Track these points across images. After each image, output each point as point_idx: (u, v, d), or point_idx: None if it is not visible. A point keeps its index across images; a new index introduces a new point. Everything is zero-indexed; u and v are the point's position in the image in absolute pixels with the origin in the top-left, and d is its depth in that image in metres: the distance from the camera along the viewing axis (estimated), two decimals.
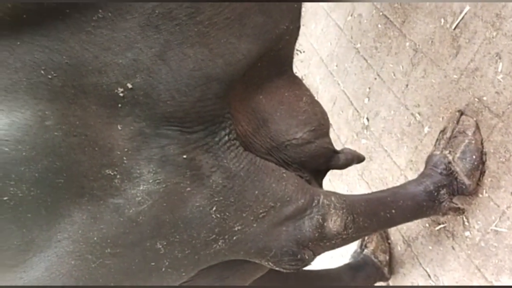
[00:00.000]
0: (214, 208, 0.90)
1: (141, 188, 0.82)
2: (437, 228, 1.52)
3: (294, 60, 1.10)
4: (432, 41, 1.52)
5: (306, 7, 2.43)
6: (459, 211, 1.36)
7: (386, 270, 1.74)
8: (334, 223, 1.07)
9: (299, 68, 2.57)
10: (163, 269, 0.90)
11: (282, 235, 1.01)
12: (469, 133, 1.31)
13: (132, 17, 0.74)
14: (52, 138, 0.72)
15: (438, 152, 1.38)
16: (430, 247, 1.56)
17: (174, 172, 0.84)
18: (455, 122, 1.37)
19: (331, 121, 2.18)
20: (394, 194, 1.30)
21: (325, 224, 1.05)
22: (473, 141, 1.30)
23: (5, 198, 0.71)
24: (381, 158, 1.84)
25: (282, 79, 1.05)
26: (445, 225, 1.49)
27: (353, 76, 2.03)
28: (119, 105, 0.78)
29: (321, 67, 2.33)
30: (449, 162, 1.33)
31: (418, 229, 1.63)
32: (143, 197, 0.82)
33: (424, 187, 1.32)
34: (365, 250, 1.80)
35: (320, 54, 2.34)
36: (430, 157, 1.40)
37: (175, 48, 0.78)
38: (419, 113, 1.60)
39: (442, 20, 1.47)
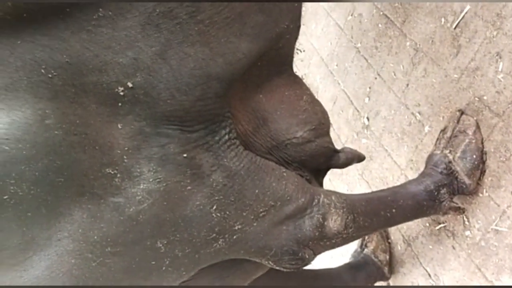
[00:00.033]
0: (214, 207, 0.90)
1: (142, 187, 0.82)
2: (438, 227, 1.52)
3: (294, 59, 1.10)
4: (432, 41, 1.52)
5: (306, 6, 2.43)
6: (460, 210, 1.36)
7: (386, 269, 1.74)
8: (334, 222, 1.07)
9: (299, 67, 2.57)
10: (164, 268, 0.90)
11: (282, 234, 1.01)
12: (470, 132, 1.31)
13: (132, 16, 0.74)
14: (53, 137, 0.72)
15: (438, 152, 1.38)
16: (431, 247, 1.56)
17: (174, 171, 0.84)
18: (456, 121, 1.36)
19: (331, 120, 2.18)
20: (394, 193, 1.30)
21: (325, 223, 1.06)
22: (473, 141, 1.30)
23: (5, 197, 0.71)
24: (382, 158, 1.84)
25: (282, 78, 1.05)
26: (445, 224, 1.49)
27: (353, 76, 2.03)
28: (120, 104, 0.78)
29: (322, 67, 2.33)
30: (450, 162, 1.33)
31: (418, 229, 1.63)
32: (144, 196, 0.82)
33: (425, 186, 1.32)
34: (365, 250, 1.80)
35: (321, 53, 2.34)
36: (430, 157, 1.40)
37: (176, 47, 0.78)
38: (419, 113, 1.60)
39: (443, 20, 1.47)
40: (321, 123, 1.10)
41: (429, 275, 1.57)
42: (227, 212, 0.92)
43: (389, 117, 1.78)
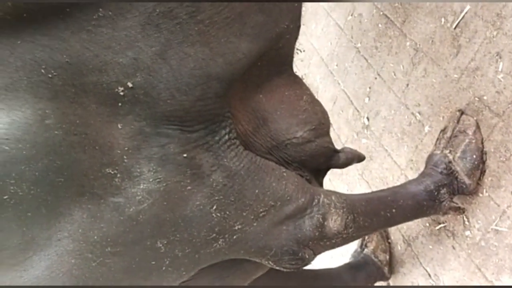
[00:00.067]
0: (214, 207, 0.90)
1: (142, 187, 0.82)
2: (438, 227, 1.52)
3: (294, 59, 1.10)
4: (432, 41, 1.52)
5: (306, 6, 2.43)
6: (460, 210, 1.36)
7: (386, 269, 1.74)
8: (334, 222, 1.07)
9: (299, 67, 2.57)
10: (164, 268, 0.90)
11: (282, 234, 1.01)
12: (470, 132, 1.31)
13: (132, 16, 0.74)
14: (53, 137, 0.72)
15: (438, 152, 1.38)
16: (431, 247, 1.56)
17: (174, 171, 0.84)
18: (456, 121, 1.36)
19: (331, 120, 2.18)
20: (394, 193, 1.30)
21: (325, 223, 1.06)
22: (473, 141, 1.30)
23: (5, 197, 0.71)
24: (382, 158, 1.84)
25: (282, 78, 1.05)
26: (445, 224, 1.49)
27: (353, 76, 2.03)
28: (120, 104, 0.78)
29: (322, 67, 2.33)
30: (450, 162, 1.33)
31: (418, 229, 1.63)
32: (144, 196, 0.82)
33: (425, 186, 1.32)
34: (365, 250, 1.80)
35: (321, 53, 2.34)
36: (430, 157, 1.40)
37: (176, 47, 0.78)
38: (419, 113, 1.60)
39: (443, 20, 1.47)
40: (321, 123, 1.10)
41: (429, 275, 1.57)
42: (227, 212, 0.92)
43: (389, 117, 1.78)
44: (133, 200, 0.82)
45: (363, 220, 1.14)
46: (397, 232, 1.76)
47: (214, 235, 0.92)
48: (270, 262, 1.04)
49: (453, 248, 1.45)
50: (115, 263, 0.84)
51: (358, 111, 2.00)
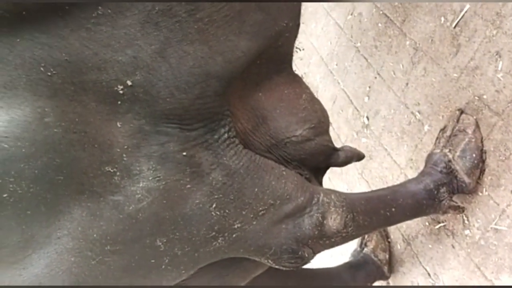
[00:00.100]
0: (213, 206, 0.90)
1: (141, 185, 0.82)
2: (437, 226, 1.52)
3: (294, 58, 1.10)
4: (432, 40, 1.52)
5: (306, 5, 2.43)
6: (459, 209, 1.35)
7: (386, 268, 1.74)
8: (333, 221, 1.07)
9: (299, 66, 2.57)
10: (163, 267, 0.90)
11: (281, 233, 1.01)
12: (469, 131, 1.31)
13: (132, 14, 0.74)
14: (52, 135, 0.72)
15: (438, 151, 1.38)
16: (430, 246, 1.56)
17: (174, 169, 0.84)
18: (455, 120, 1.36)
19: (331, 120, 2.18)
20: (394, 192, 1.30)
21: (324, 222, 1.06)
22: (473, 140, 1.30)
23: (4, 195, 0.71)
24: (381, 157, 1.84)
25: (282, 77, 1.05)
26: (445, 223, 1.49)
27: (353, 75, 2.03)
28: (119, 102, 0.78)
29: (321, 66, 2.33)
30: (449, 161, 1.33)
31: (418, 228, 1.63)
32: (143, 194, 0.82)
33: (424, 185, 1.32)
34: (365, 249, 1.80)
35: (320, 53, 2.34)
36: (430, 156, 1.40)
37: (175, 45, 0.78)
38: (419, 112, 1.60)
39: (442, 19, 1.47)
40: (321, 122, 1.10)
41: (429, 274, 1.57)
42: (227, 211, 0.92)
43: (388, 116, 1.78)
44: (133, 198, 0.82)
45: (363, 219, 1.14)
46: (396, 231, 1.76)
47: (214, 233, 0.92)
48: (270, 261, 1.04)
49: (453, 247, 1.45)
50: (114, 261, 0.84)
51: (357, 110, 2.00)
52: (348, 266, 1.76)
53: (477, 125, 1.31)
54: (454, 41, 1.42)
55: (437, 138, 1.43)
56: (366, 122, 1.93)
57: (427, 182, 1.32)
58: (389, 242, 1.80)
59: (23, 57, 0.70)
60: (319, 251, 1.10)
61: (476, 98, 1.33)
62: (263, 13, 0.87)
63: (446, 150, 1.35)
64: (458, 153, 1.32)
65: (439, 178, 1.33)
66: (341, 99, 2.15)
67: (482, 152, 1.30)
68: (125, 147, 0.80)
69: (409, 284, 1.69)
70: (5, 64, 0.70)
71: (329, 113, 1.21)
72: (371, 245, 1.78)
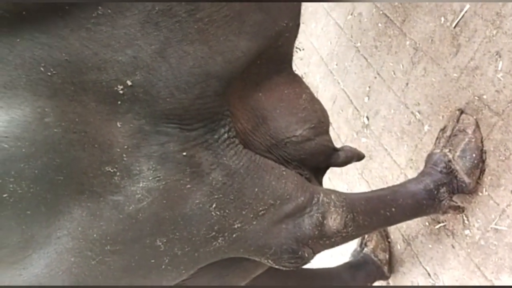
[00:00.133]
0: (214, 205, 0.90)
1: (141, 185, 0.82)
2: (437, 226, 1.52)
3: (294, 58, 1.10)
4: (432, 40, 1.52)
5: (306, 5, 2.43)
6: (459, 209, 1.35)
7: (386, 268, 1.74)
8: (334, 221, 1.07)
9: (298, 66, 2.57)
10: (163, 267, 0.90)
11: (281, 232, 1.01)
12: (469, 131, 1.31)
13: (132, 14, 0.74)
14: (52, 135, 0.72)
15: (438, 151, 1.38)
16: (430, 246, 1.56)
17: (174, 169, 0.84)
18: (455, 120, 1.36)
19: (331, 120, 2.18)
20: (394, 192, 1.30)
21: (324, 222, 1.06)
22: (473, 140, 1.30)
23: (4, 195, 0.71)
24: (381, 157, 1.84)
25: (282, 77, 1.05)
26: (445, 223, 1.49)
27: (353, 75, 2.03)
28: (119, 102, 0.78)
29: (321, 66, 2.33)
30: (449, 161, 1.33)
31: (418, 228, 1.63)
32: (143, 194, 0.82)
33: (424, 185, 1.32)
34: (365, 249, 1.80)
35: (320, 53, 2.34)
36: (430, 156, 1.40)
37: (175, 45, 0.78)
38: (419, 112, 1.60)
39: (442, 19, 1.47)
40: (321, 122, 1.10)
41: (429, 274, 1.57)
42: (227, 211, 0.92)
43: (388, 116, 1.78)
44: (133, 198, 0.82)
45: (363, 219, 1.14)
46: (396, 231, 1.76)
47: (214, 233, 0.92)
48: (270, 261, 1.04)
49: (453, 247, 1.45)
50: (114, 261, 0.84)
51: (357, 110, 2.00)
52: (348, 266, 1.76)
53: (477, 125, 1.31)
54: (454, 41, 1.42)
55: (437, 138, 1.43)
56: (366, 122, 1.93)
57: (427, 182, 1.32)
58: (389, 242, 1.80)
59: (23, 57, 0.70)
60: (319, 251, 1.10)
61: (476, 98, 1.33)
62: (263, 13, 0.87)
63: (446, 150, 1.35)
64: (458, 153, 1.32)
65: (439, 178, 1.33)
66: (341, 99, 2.15)
67: (482, 152, 1.30)
68: (125, 147, 0.80)
69: (409, 284, 1.69)
70: (5, 64, 0.70)
71: (329, 113, 1.21)
72: (371, 245, 1.78)
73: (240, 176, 0.93)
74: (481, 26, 1.31)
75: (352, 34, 2.03)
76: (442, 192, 1.32)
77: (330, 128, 1.19)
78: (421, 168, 1.43)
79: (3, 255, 0.76)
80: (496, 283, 1.29)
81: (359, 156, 1.25)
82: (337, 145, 1.26)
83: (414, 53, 1.61)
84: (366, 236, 1.82)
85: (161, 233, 0.86)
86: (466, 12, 1.37)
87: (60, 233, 0.78)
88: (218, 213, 0.91)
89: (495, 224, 1.28)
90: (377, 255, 1.75)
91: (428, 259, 1.57)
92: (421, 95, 1.59)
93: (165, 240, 0.87)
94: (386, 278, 1.77)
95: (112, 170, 0.79)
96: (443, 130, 1.41)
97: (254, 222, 0.97)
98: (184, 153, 0.85)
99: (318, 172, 1.22)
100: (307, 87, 1.12)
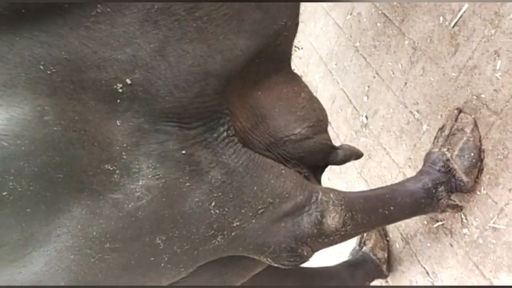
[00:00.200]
0: (213, 204, 0.90)
1: (140, 183, 0.82)
2: (436, 225, 1.53)
3: (293, 57, 1.10)
4: (431, 39, 1.52)
5: (305, 5, 2.43)
6: (457, 208, 1.36)
7: (384, 267, 1.74)
8: (332, 220, 1.07)
9: (297, 65, 2.58)
10: (162, 265, 0.90)
11: (280, 231, 1.02)
12: (468, 130, 1.31)
13: (131, 12, 0.74)
14: (51, 133, 0.72)
15: (436, 150, 1.38)
16: (429, 245, 1.56)
17: (173, 168, 0.85)
18: (454, 119, 1.37)
19: (330, 119, 2.18)
20: (392, 191, 1.30)
21: (323, 220, 1.06)
22: (471, 139, 1.31)
23: (4, 193, 0.71)
24: (380, 156, 1.84)
25: (280, 75, 1.06)
26: (443, 222, 1.50)
27: (352, 75, 2.04)
28: (118, 101, 0.78)
29: (320, 66, 2.33)
30: (447, 160, 1.33)
31: (416, 227, 1.63)
32: (142, 192, 0.82)
33: (423, 184, 1.32)
34: (364, 248, 1.80)
35: (320, 52, 2.34)
36: (428, 155, 1.41)
37: (174, 44, 0.78)
38: (417, 111, 1.61)
39: (441, 18, 1.47)
40: (319, 120, 1.10)
41: (427, 273, 1.58)
42: (226, 209, 0.92)
43: (387, 116, 1.78)
44: (132, 196, 0.82)
45: (361, 218, 1.15)
46: (395, 230, 1.76)
47: (213, 231, 0.92)
48: (269, 259, 1.05)
49: (451, 246, 1.46)
50: (114, 259, 0.84)
51: (356, 110, 2.01)
52: (347, 265, 1.77)
53: (476, 124, 1.32)
54: (452, 40, 1.43)
55: (435, 137, 1.43)
56: (365, 121, 1.94)
57: (426, 181, 1.33)
58: (387, 241, 1.80)
59: (22, 56, 0.70)
60: (317, 250, 1.11)
61: (475, 97, 1.33)
62: (261, 12, 0.87)
63: (445, 149, 1.35)
64: (456, 152, 1.32)
65: (438, 177, 1.33)
66: (340, 99, 2.15)
67: (480, 151, 1.31)
68: (125, 145, 0.80)
69: (407, 282, 1.70)
70: (5, 62, 0.70)
71: (328, 112, 1.22)
72: (370, 244, 1.78)
73: (239, 174, 0.93)
74: (480, 26, 1.31)
75: (351, 33, 2.04)
76: (441, 191, 1.33)
77: (329, 127, 1.19)
78: (420, 167, 1.44)
79: (3, 253, 0.76)
80: (495, 282, 1.29)
81: (357, 155, 1.25)
82: (336, 144, 1.27)
83: (413, 52, 1.62)
84: (365, 235, 1.82)
85: (161, 231, 0.87)
86: (464, 11, 1.37)
87: (59, 231, 0.78)
88: (217, 211, 0.91)
89: (493, 223, 1.29)
90: (376, 253, 1.75)
91: (427, 258, 1.58)
92: (419, 95, 1.59)
93: (164, 238, 0.87)
94: (384, 276, 1.78)
95: (111, 168, 0.80)
96: (441, 129, 1.42)
97: (253, 221, 0.97)
98: (183, 152, 0.86)
99: (317, 170, 1.22)
100: (305, 86, 1.12)
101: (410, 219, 1.53)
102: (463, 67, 1.38)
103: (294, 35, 1.04)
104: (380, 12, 1.81)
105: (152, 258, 0.88)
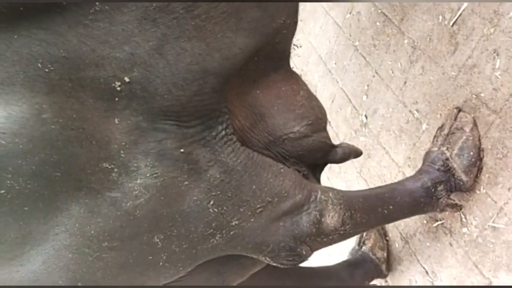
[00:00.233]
0: (211, 202, 0.90)
1: (139, 181, 0.82)
2: (435, 224, 1.53)
3: (292, 55, 1.10)
4: (430, 38, 1.52)
5: (305, 4, 2.43)
6: (457, 207, 1.36)
7: (384, 267, 1.74)
8: (331, 219, 1.07)
9: (297, 64, 2.58)
10: (160, 263, 0.90)
11: (279, 230, 1.01)
12: (467, 129, 1.31)
13: (129, 11, 0.74)
14: (49, 131, 0.72)
15: (435, 149, 1.38)
16: (428, 244, 1.56)
17: (171, 166, 0.85)
18: (453, 118, 1.37)
19: (329, 118, 2.18)
20: (392, 190, 1.30)
21: (322, 219, 1.06)
22: (470, 138, 1.30)
23: (2, 191, 0.71)
24: (380, 155, 1.84)
25: (279, 74, 1.06)
26: (442, 221, 1.49)
27: (351, 74, 2.04)
28: (116, 99, 0.78)
29: (320, 65, 2.33)
30: (447, 159, 1.33)
31: (416, 226, 1.63)
32: (140, 191, 0.82)
33: (422, 183, 1.32)
34: (363, 247, 1.80)
35: (319, 51, 2.34)
36: (428, 154, 1.41)
37: (172, 42, 0.78)
38: (417, 110, 1.60)
39: (440, 17, 1.47)
40: (318, 118, 1.10)
41: (427, 272, 1.58)
42: (224, 208, 0.92)
43: (387, 115, 1.78)
44: (130, 195, 0.82)
45: (360, 217, 1.14)
46: (394, 230, 1.76)
47: (211, 230, 0.92)
48: (267, 258, 1.04)
49: (451, 245, 1.46)
50: (112, 258, 0.84)
51: (356, 109, 2.00)
52: (346, 265, 1.76)
53: (475, 123, 1.32)
54: (452, 39, 1.43)
55: (435, 136, 1.43)
56: (365, 120, 1.93)
57: (425, 180, 1.33)
58: (387, 240, 1.80)
59: (20, 54, 0.70)
60: (316, 249, 1.10)
61: (474, 96, 1.33)
62: (260, 10, 0.87)
63: (444, 148, 1.35)
64: (455, 151, 1.32)
65: (437, 176, 1.33)
66: (339, 98, 2.15)
67: (479, 150, 1.31)
68: (123, 143, 0.80)
69: (407, 282, 1.70)
70: (3, 60, 0.70)
71: (327, 111, 1.21)
72: (369, 244, 1.78)
73: (238, 173, 0.93)
74: (479, 25, 1.31)
75: (351, 33, 2.03)
76: (440, 190, 1.32)
77: (329, 126, 1.19)
78: (419, 166, 1.44)
79: (1, 251, 0.76)
80: (494, 281, 1.29)
81: (356, 153, 1.25)
82: (335, 143, 1.26)
83: (412, 51, 1.62)
84: (364, 234, 1.82)
85: (159, 230, 0.86)
86: (463, 10, 1.37)
87: (57, 229, 0.78)
88: (215, 210, 0.91)
89: (493, 222, 1.28)
90: (375, 253, 1.75)
91: (426, 257, 1.58)
92: (419, 94, 1.59)
93: (162, 237, 0.87)
94: (384, 276, 1.77)
95: (109, 167, 0.79)
96: (441, 128, 1.41)
97: (252, 220, 0.97)
98: (182, 150, 0.85)
99: (316, 169, 1.22)
100: (304, 84, 1.12)
101: (410, 218, 1.53)
102: (462, 66, 1.38)
103: (293, 34, 1.03)
104: (379, 11, 1.80)
105: (150, 257, 0.88)
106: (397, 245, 1.75)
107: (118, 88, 0.77)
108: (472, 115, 1.33)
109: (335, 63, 2.18)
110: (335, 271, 1.72)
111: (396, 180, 1.65)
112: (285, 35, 0.98)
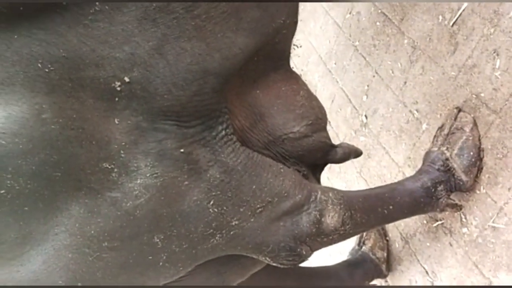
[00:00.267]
0: (211, 202, 0.90)
1: (139, 181, 0.82)
2: (435, 224, 1.53)
3: (292, 55, 1.10)
4: (430, 38, 1.52)
5: (305, 4, 2.43)
6: (457, 207, 1.36)
7: (384, 267, 1.74)
8: (331, 219, 1.07)
9: (297, 64, 2.58)
10: (160, 263, 0.90)
11: (279, 230, 1.01)
12: (467, 129, 1.31)
13: (129, 11, 0.74)
14: (49, 131, 0.72)
15: (435, 149, 1.38)
16: (428, 244, 1.56)
17: (171, 166, 0.85)
18: (453, 118, 1.37)
19: (329, 118, 2.18)
20: (392, 190, 1.30)
21: (322, 219, 1.06)
22: (470, 138, 1.30)
23: (2, 191, 0.71)
24: (380, 155, 1.84)
25: (279, 74, 1.06)
26: (442, 221, 1.49)
27: (351, 74, 2.04)
28: (116, 99, 0.78)
29: (320, 65, 2.33)
30: (447, 159, 1.33)
31: (416, 226, 1.63)
32: (140, 191, 0.82)
33: (422, 183, 1.32)
34: (363, 247, 1.80)
35: (319, 52, 2.34)
36: (428, 154, 1.41)
37: (172, 42, 0.78)
38: (417, 110, 1.60)
39: (440, 17, 1.47)
40: (318, 118, 1.10)
41: (427, 272, 1.58)
42: (224, 208, 0.92)
43: (387, 115, 1.78)
44: (130, 195, 0.82)
45: (360, 217, 1.14)
46: (394, 230, 1.76)
47: (211, 230, 0.92)
48: (267, 258, 1.04)
49: (451, 245, 1.46)
50: (112, 258, 0.84)
51: (356, 109, 2.00)
52: (346, 265, 1.76)
53: (475, 123, 1.32)
54: (452, 39, 1.43)
55: (435, 136, 1.43)
56: (365, 120, 1.93)
57: (425, 180, 1.33)
58: (387, 240, 1.80)
59: (20, 54, 0.70)
60: (316, 249, 1.10)
61: (474, 96, 1.33)
62: (260, 10, 0.87)
63: (444, 148, 1.35)
64: (455, 151, 1.32)
65: (437, 176, 1.33)
66: (339, 98, 2.15)
67: (479, 150, 1.31)
68: (123, 143, 0.80)
69: (407, 282, 1.70)
70: (3, 60, 0.70)
71: (327, 111, 1.21)
72: (369, 244, 1.78)
73: (238, 173, 0.93)
74: (479, 24, 1.31)
75: (351, 33, 2.03)
76: (440, 190, 1.32)
77: (329, 126, 1.19)
78: (419, 166, 1.44)
79: (1, 251, 0.76)
80: (494, 281, 1.29)
81: (356, 153, 1.25)
82: (335, 143, 1.26)
83: (412, 51, 1.62)
84: (364, 234, 1.82)
85: (159, 230, 0.86)
86: (463, 10, 1.37)
87: (57, 229, 0.78)
88: (215, 210, 0.91)
89: (493, 222, 1.28)
90: (375, 253, 1.75)
91: (426, 257, 1.58)
92: (419, 94, 1.59)
93: (162, 237, 0.87)
94: (384, 276, 1.77)
95: (109, 167, 0.79)
96: (441, 128, 1.41)
97: (252, 220, 0.97)
98: (182, 150, 0.85)
99: (316, 169, 1.22)
100: (304, 84, 1.12)
101: (410, 218, 1.53)
102: (462, 66, 1.38)
103: (293, 34, 1.03)
104: (379, 11, 1.80)
105: (150, 257, 0.88)
106: (397, 245, 1.75)
107: (118, 88, 0.77)
108: (472, 115, 1.33)
109: (335, 63, 2.18)
110: (335, 271, 1.72)
111: (396, 180, 1.65)
112: (285, 35, 0.98)
